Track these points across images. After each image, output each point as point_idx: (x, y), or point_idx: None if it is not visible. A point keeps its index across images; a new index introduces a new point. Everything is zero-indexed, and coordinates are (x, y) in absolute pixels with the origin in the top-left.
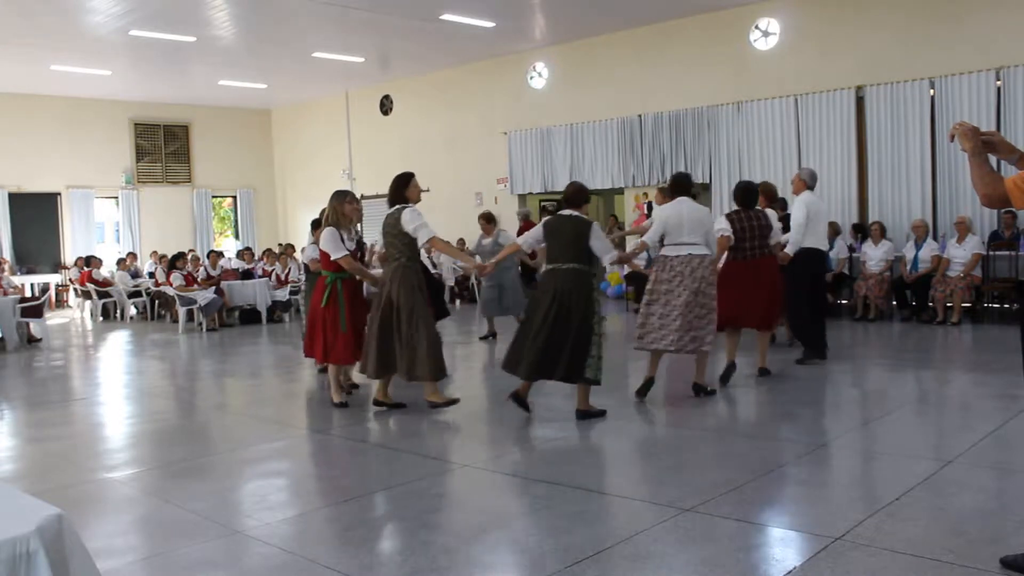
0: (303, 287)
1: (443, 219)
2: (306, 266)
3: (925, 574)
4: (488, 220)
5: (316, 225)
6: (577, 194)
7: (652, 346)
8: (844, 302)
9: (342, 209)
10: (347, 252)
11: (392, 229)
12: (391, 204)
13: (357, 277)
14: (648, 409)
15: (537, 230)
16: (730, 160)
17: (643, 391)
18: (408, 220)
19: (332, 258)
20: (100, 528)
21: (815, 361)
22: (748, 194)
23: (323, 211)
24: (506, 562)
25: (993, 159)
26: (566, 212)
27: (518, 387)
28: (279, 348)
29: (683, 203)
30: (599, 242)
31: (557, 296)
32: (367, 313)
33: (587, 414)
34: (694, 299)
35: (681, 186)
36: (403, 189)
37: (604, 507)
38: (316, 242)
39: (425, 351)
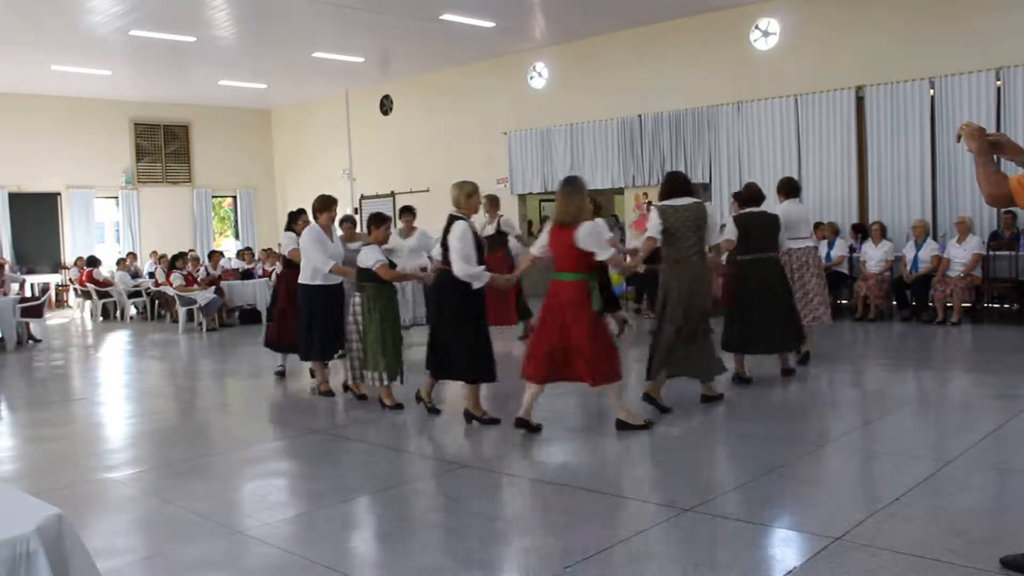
0: (359, 300)
1: (443, 220)
2: (366, 272)
3: (925, 574)
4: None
5: (380, 221)
6: (760, 193)
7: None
8: (844, 302)
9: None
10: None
11: (698, 222)
12: (678, 196)
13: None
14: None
15: (733, 226)
16: (730, 160)
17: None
18: (715, 215)
19: (599, 257)
20: (100, 528)
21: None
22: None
23: (343, 212)
24: (506, 562)
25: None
26: (756, 209)
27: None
28: None
29: (796, 204)
30: (782, 233)
31: (770, 279)
32: None
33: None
34: (821, 280)
35: (795, 188)
36: (690, 184)
37: (604, 507)
38: (379, 242)
39: (711, 349)
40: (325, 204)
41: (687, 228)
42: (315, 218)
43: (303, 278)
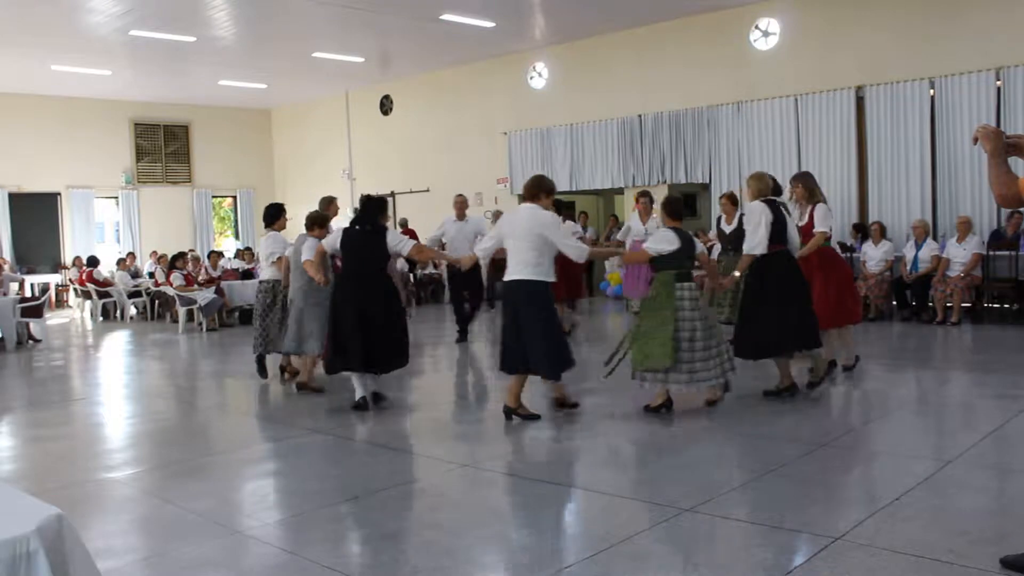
0: (700, 293)
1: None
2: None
3: (925, 574)
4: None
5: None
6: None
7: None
8: None
9: None
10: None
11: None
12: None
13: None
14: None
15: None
16: (730, 160)
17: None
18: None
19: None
20: (100, 528)
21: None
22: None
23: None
24: (506, 562)
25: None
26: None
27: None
28: None
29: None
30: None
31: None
32: None
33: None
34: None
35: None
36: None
37: (604, 507)
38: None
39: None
40: (551, 187)
41: None
42: (534, 200)
43: (536, 274)
